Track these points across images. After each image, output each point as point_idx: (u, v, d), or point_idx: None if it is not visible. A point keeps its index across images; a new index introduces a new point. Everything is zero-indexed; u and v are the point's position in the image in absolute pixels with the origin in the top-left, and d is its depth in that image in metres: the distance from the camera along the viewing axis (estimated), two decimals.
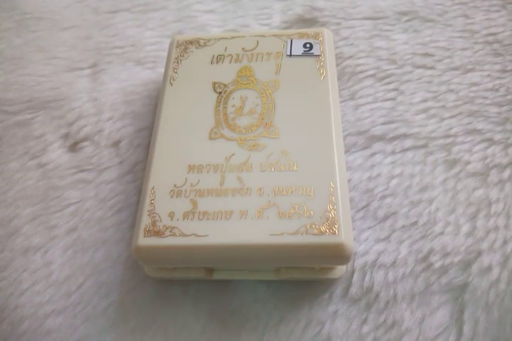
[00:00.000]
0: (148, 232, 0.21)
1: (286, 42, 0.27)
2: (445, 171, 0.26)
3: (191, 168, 0.22)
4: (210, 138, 0.23)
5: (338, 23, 0.33)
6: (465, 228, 0.24)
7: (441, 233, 0.24)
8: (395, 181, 0.26)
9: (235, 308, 0.23)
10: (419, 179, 0.26)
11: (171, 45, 0.28)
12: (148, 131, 0.29)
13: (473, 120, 0.28)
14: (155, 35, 0.34)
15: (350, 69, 0.30)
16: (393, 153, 0.27)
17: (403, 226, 0.24)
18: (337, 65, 0.30)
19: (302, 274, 0.22)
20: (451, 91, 0.29)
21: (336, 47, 0.31)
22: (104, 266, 0.24)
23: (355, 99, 0.29)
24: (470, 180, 0.25)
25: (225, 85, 0.25)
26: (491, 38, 0.31)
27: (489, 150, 0.26)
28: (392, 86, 0.29)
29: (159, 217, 0.21)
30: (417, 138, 0.27)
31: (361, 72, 0.30)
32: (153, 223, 0.21)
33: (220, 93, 0.25)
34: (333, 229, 0.20)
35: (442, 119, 0.28)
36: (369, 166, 0.26)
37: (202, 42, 0.27)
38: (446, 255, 0.23)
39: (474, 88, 0.29)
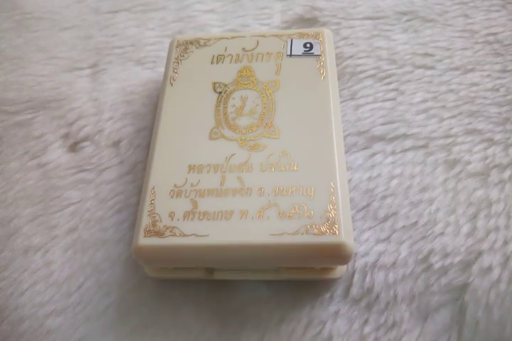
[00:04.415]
0: (149, 232, 0.21)
1: (287, 42, 0.27)
2: (445, 171, 0.26)
3: (191, 168, 0.22)
4: (211, 138, 0.23)
5: (338, 23, 0.33)
6: (465, 228, 0.24)
7: (442, 233, 0.24)
8: (395, 181, 0.26)
9: (236, 308, 0.23)
10: (420, 179, 0.26)
11: (171, 45, 0.28)
12: (148, 131, 0.29)
13: (474, 120, 0.28)
14: (155, 35, 0.34)
15: (350, 69, 0.30)
16: (393, 153, 0.27)
17: (403, 227, 0.24)
18: (337, 65, 0.30)
19: (302, 274, 0.22)
20: (452, 91, 0.29)
21: (336, 47, 0.31)
22: (104, 266, 0.24)
23: (355, 99, 0.29)
24: (470, 180, 0.25)
25: (225, 85, 0.25)
26: (491, 38, 0.31)
27: (489, 151, 0.26)
28: (392, 86, 0.29)
29: (159, 217, 0.21)
30: (417, 139, 0.27)
31: (361, 72, 0.30)
32: (154, 223, 0.21)
33: (220, 93, 0.25)
34: (333, 229, 0.20)
35: (442, 119, 0.28)
36: (369, 166, 0.26)
37: (202, 42, 0.27)
38: (446, 255, 0.23)
39: (474, 88, 0.29)
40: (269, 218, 0.20)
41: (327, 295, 0.23)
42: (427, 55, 0.31)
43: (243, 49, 0.27)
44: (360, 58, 0.31)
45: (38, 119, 0.30)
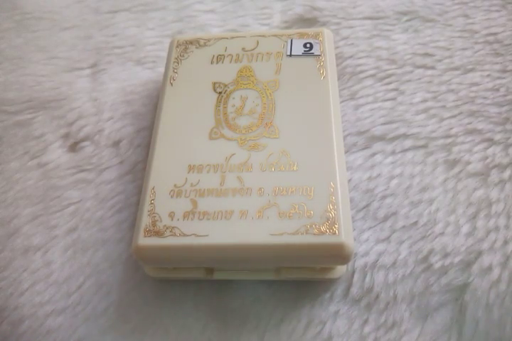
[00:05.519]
0: (149, 232, 0.21)
1: (287, 42, 0.27)
2: (445, 171, 0.26)
3: (191, 168, 0.22)
4: (210, 138, 0.23)
5: (338, 23, 0.33)
6: (465, 228, 0.24)
7: (442, 233, 0.24)
8: (395, 181, 0.26)
9: (236, 308, 0.23)
10: (420, 179, 0.26)
11: (171, 45, 0.28)
12: (148, 131, 0.29)
13: (474, 120, 0.28)
14: (155, 35, 0.34)
15: (350, 69, 0.30)
16: (393, 153, 0.27)
17: (403, 227, 0.24)
18: (337, 65, 0.30)
19: (302, 274, 0.22)
20: (451, 91, 0.29)
21: (336, 47, 0.31)
22: (104, 266, 0.24)
23: (355, 99, 0.29)
24: (470, 180, 0.25)
25: (225, 85, 0.25)
26: (491, 38, 0.31)
27: (489, 151, 0.26)
28: (392, 86, 0.29)
29: (159, 216, 0.21)
30: (417, 139, 0.27)
31: (361, 72, 0.30)
32: (154, 223, 0.21)
33: (220, 93, 0.25)
34: (333, 229, 0.20)
35: (442, 119, 0.28)
36: (369, 166, 0.26)
37: (202, 42, 0.27)
38: (446, 255, 0.23)
39: (474, 88, 0.29)
40: (269, 218, 0.20)
41: (327, 295, 0.23)
42: (427, 55, 0.31)
43: (243, 49, 0.27)
44: (360, 58, 0.31)
45: (38, 119, 0.30)
